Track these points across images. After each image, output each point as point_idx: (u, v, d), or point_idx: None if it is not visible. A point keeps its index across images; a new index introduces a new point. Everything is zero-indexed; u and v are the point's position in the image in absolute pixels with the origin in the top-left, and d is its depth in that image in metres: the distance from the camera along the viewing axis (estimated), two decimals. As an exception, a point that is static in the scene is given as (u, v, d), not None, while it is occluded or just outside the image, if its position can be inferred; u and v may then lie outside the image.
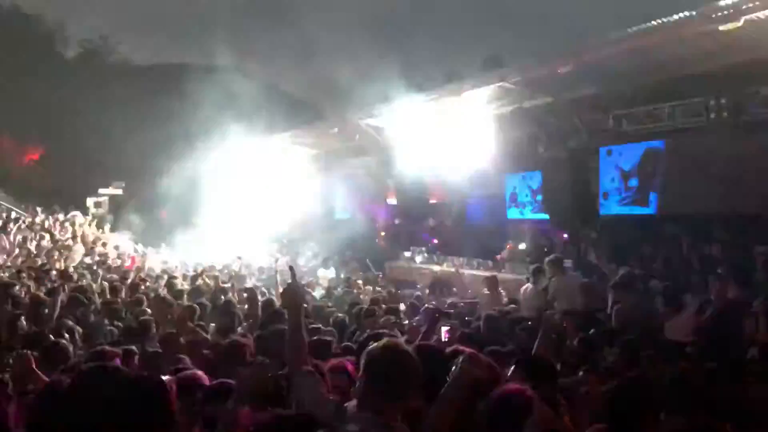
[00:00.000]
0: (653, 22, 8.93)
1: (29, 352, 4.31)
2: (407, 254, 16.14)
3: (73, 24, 41.10)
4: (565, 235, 13.13)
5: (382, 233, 19.49)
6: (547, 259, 9.23)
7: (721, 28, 8.10)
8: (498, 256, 13.78)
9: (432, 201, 16.98)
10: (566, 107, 11.64)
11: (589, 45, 9.81)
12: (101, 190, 27.43)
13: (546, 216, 13.52)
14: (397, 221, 18.62)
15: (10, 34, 34.65)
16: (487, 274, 11.47)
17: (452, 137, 13.34)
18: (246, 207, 18.53)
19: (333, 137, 17.49)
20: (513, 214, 15.09)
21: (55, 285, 9.01)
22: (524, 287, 9.41)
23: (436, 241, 16.60)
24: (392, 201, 17.96)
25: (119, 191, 28.10)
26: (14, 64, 31.45)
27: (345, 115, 16.21)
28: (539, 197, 13.91)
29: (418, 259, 15.60)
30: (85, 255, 15.99)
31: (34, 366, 4.12)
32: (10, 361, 4.51)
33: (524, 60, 11.09)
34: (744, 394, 4.26)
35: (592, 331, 6.01)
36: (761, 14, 7.83)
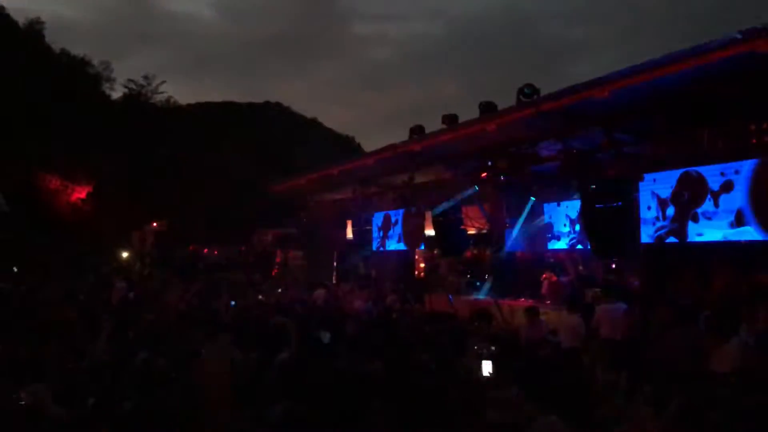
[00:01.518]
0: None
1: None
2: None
3: (119, 66, 42.61)
4: (613, 265, 13.00)
5: (422, 265, 19.59)
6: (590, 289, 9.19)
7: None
8: (542, 290, 13.71)
9: (470, 231, 16.95)
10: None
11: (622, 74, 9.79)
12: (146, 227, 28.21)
13: (582, 246, 13.45)
14: (435, 252, 18.61)
15: (59, 77, 36.06)
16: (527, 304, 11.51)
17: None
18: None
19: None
20: (553, 244, 15.03)
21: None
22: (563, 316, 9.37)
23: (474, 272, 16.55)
24: (430, 233, 17.99)
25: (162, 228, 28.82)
26: (63, 105, 32.67)
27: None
28: (578, 227, 13.82)
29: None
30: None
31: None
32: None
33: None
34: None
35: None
36: None
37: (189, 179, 33.36)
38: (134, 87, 39.96)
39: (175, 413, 4.50)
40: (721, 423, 5.22)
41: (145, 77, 40.02)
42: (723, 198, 10.57)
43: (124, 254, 26.58)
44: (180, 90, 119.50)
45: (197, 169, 35.90)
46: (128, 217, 28.53)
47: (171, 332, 9.41)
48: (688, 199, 11.12)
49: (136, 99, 39.81)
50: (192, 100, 58.70)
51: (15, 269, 19.70)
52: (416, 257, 19.43)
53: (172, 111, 41.16)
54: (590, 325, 9.29)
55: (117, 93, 42.18)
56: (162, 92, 40.28)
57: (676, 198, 11.34)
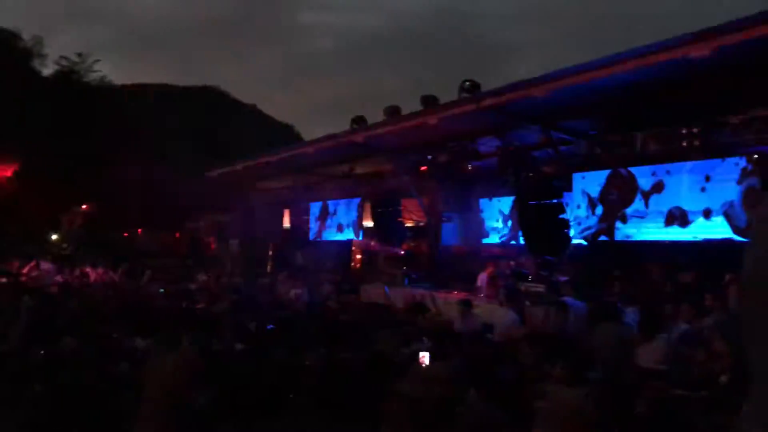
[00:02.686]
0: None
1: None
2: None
3: (53, 42, 40.91)
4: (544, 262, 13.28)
5: (359, 256, 19.60)
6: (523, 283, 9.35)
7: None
8: (477, 284, 13.89)
9: (408, 224, 17.04)
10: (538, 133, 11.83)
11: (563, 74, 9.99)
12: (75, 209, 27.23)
13: (515, 242, 13.73)
14: (372, 244, 18.64)
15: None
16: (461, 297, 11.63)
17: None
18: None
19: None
20: (487, 238, 15.31)
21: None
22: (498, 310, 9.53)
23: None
24: (368, 224, 18.01)
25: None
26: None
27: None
28: (510, 222, 14.08)
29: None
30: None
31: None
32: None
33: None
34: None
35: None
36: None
37: (122, 161, 32.29)
38: (66, 64, 38.27)
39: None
40: (643, 412, 5.44)
41: (79, 54, 38.37)
42: (654, 198, 10.96)
43: (53, 236, 25.57)
44: (116, 71, 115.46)
45: (131, 152, 34.83)
46: (57, 199, 27.43)
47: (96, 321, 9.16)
48: (617, 198, 11.49)
49: (68, 76, 38.17)
50: (128, 81, 56.84)
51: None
52: (353, 248, 19.41)
53: (107, 91, 39.64)
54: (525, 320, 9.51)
55: (48, 70, 40.43)
56: (97, 71, 38.65)
57: (604, 197, 11.71)
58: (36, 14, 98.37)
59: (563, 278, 10.86)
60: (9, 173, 30.61)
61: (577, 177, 12.25)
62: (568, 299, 9.39)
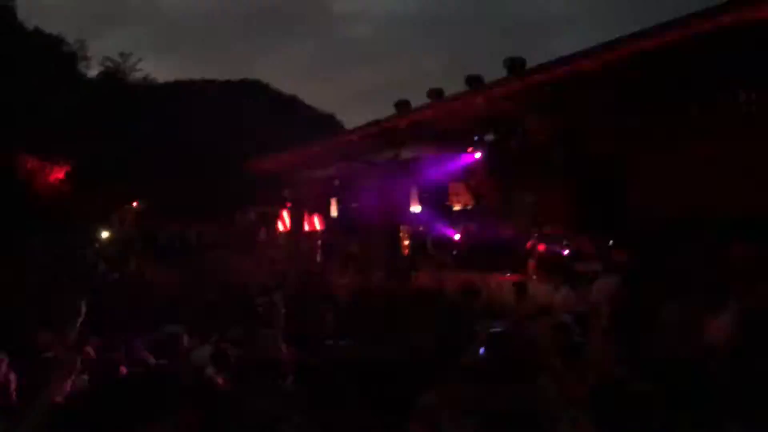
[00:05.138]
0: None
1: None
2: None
3: (96, 44, 41.76)
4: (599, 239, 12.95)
5: (407, 242, 19.47)
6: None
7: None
8: (530, 265, 13.63)
9: (456, 207, 16.83)
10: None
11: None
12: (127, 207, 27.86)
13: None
14: (420, 229, 18.49)
15: (34, 56, 35.21)
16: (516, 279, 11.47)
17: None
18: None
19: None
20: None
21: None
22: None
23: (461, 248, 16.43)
24: (415, 208, 17.85)
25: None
26: (39, 85, 31.94)
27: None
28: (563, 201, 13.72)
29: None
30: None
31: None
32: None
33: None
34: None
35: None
36: None
37: (169, 157, 32.84)
38: (110, 65, 39.08)
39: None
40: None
41: (122, 55, 39.14)
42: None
43: (104, 234, 26.14)
44: (157, 68, 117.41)
45: (177, 147, 35.41)
46: (108, 197, 28.05)
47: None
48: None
49: (113, 77, 38.98)
50: (170, 78, 57.68)
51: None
52: (401, 234, 19.29)
53: (150, 89, 40.34)
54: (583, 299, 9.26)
55: (93, 71, 41.34)
56: (139, 70, 39.46)
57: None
58: (77, 18, 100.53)
59: (622, 255, 10.53)
60: (62, 175, 31.44)
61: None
62: (627, 276, 9.12)
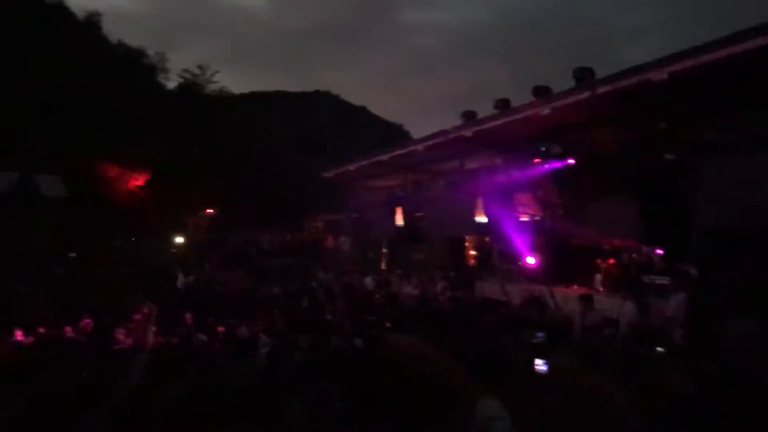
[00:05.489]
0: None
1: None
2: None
3: (173, 56, 43.54)
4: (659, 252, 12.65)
5: (472, 252, 19.41)
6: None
7: None
8: (597, 278, 13.42)
9: (522, 218, 16.69)
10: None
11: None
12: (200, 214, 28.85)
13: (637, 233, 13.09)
14: (486, 239, 18.41)
15: (117, 68, 37.00)
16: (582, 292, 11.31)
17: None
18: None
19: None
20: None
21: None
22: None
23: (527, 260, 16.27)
24: (481, 219, 17.80)
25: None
26: (120, 96, 33.51)
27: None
28: (630, 212, 13.42)
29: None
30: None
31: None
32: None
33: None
34: None
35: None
36: None
37: (243, 166, 33.79)
38: (189, 77, 40.49)
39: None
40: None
41: (200, 67, 40.47)
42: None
43: (180, 240, 27.15)
44: (232, 80, 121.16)
45: (251, 157, 36.42)
46: (183, 205, 29.09)
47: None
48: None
49: (190, 89, 40.36)
50: (244, 90, 59.40)
51: (72, 255, 20.24)
52: (466, 244, 19.25)
53: (226, 100, 41.58)
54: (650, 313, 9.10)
55: (172, 83, 43.00)
56: (215, 82, 40.70)
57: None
58: (158, 32, 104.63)
59: (691, 269, 10.27)
60: (141, 182, 32.78)
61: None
62: (697, 291, 8.90)
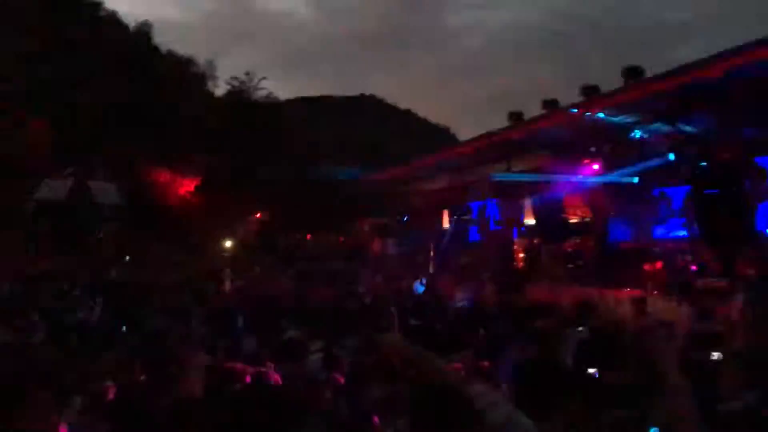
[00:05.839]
0: None
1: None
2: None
3: (222, 64, 44.39)
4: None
5: (521, 255, 19.20)
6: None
7: None
8: (650, 281, 13.13)
9: (572, 220, 16.46)
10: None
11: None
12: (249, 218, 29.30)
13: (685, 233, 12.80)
14: (535, 242, 18.19)
15: (168, 76, 37.93)
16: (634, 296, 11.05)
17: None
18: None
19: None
20: (658, 233, 14.35)
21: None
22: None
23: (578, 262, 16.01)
24: (530, 221, 17.61)
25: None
26: (171, 104, 34.35)
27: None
28: (685, 214, 13.12)
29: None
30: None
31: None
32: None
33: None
34: None
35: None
36: None
37: (288, 170, 34.23)
38: (236, 84, 41.17)
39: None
40: None
41: (247, 74, 41.09)
42: None
43: (228, 243, 27.60)
44: (279, 86, 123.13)
45: (296, 161, 36.85)
46: (233, 208, 29.57)
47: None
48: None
49: (238, 95, 41.04)
50: (291, 95, 60.14)
51: (127, 259, 20.81)
52: (515, 247, 19.06)
53: (273, 106, 42.15)
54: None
55: (221, 90, 43.82)
56: (262, 88, 41.28)
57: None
58: (206, 40, 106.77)
59: (750, 271, 9.95)
60: (191, 187, 33.52)
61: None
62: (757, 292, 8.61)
